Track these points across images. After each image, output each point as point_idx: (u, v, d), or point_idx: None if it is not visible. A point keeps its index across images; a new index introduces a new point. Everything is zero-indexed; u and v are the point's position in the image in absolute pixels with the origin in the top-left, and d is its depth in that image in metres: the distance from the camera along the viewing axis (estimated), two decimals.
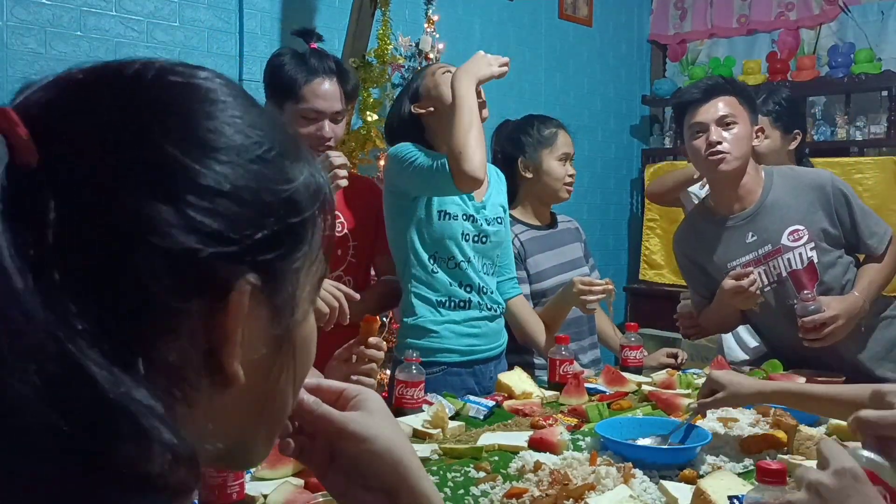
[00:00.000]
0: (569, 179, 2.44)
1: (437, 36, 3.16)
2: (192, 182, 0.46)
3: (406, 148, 2.01)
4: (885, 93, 4.05)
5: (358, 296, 1.80)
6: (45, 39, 2.68)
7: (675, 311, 2.55)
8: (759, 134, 2.23)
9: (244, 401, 0.52)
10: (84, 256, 0.43)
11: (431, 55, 3.12)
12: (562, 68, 4.39)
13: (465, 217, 2.06)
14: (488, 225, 2.11)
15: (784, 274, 2.15)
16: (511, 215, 2.35)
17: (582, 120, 4.46)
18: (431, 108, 2.06)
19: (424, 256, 2.04)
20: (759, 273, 2.14)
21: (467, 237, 2.07)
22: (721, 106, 2.14)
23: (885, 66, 4.02)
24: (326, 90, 1.97)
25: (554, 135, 2.44)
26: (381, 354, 1.51)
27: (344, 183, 1.90)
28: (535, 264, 2.39)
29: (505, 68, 2.02)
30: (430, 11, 3.16)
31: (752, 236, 2.18)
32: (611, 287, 2.18)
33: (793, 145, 2.63)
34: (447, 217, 2.04)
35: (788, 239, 2.15)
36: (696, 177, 2.60)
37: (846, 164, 3.91)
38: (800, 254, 2.15)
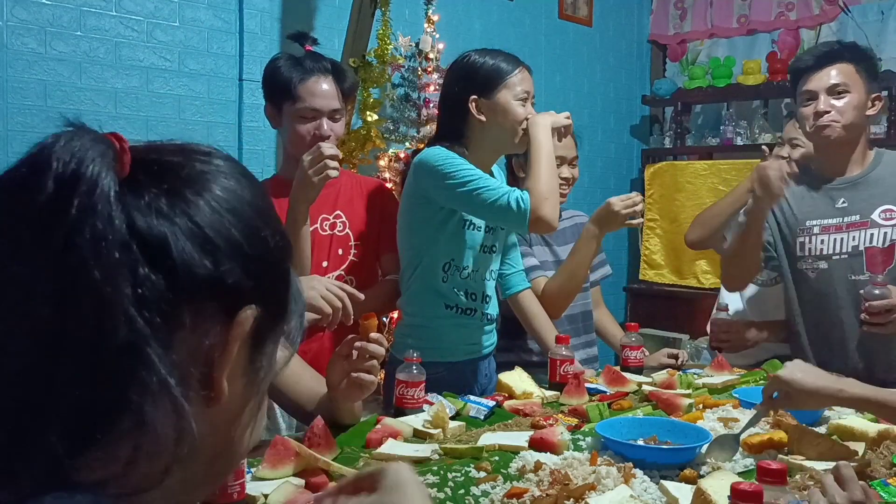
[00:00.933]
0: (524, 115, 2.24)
1: (437, 36, 3.16)
2: (234, 238, 0.59)
3: (448, 159, 1.93)
4: (885, 93, 4.05)
5: (362, 296, 1.77)
6: (45, 39, 2.68)
7: (672, 309, 2.56)
8: (876, 103, 2.18)
9: (216, 430, 0.60)
10: (154, 260, 0.54)
11: (431, 55, 3.12)
12: (562, 68, 4.39)
13: (486, 229, 2.07)
14: (501, 230, 2.12)
15: (861, 247, 2.14)
16: None
17: (582, 120, 4.46)
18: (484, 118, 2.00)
19: (438, 264, 2.04)
20: (833, 240, 2.13)
21: (485, 249, 2.08)
22: (833, 74, 2.12)
23: (885, 66, 4.02)
24: (322, 89, 1.98)
25: (510, 73, 2.31)
26: (382, 350, 1.51)
27: (335, 174, 1.88)
28: (538, 253, 2.41)
29: (570, 121, 2.04)
30: (430, 11, 3.16)
31: (843, 202, 2.17)
32: (640, 198, 2.18)
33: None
34: (472, 227, 2.04)
35: (880, 216, 2.15)
36: (741, 206, 2.33)
37: None
38: (885, 233, 2.13)
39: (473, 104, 2.00)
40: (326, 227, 2.09)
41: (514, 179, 2.41)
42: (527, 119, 1.99)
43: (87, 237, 0.51)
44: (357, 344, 1.47)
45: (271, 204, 0.65)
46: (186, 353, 0.56)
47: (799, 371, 1.43)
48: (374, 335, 1.48)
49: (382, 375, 2.20)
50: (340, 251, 2.09)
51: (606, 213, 2.17)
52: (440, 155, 1.95)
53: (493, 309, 2.15)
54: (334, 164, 1.89)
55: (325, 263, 2.06)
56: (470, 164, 1.95)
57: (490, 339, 2.19)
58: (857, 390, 1.41)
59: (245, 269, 0.58)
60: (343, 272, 2.11)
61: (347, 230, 2.11)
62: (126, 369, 0.52)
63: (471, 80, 2.02)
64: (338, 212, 2.08)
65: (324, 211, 2.07)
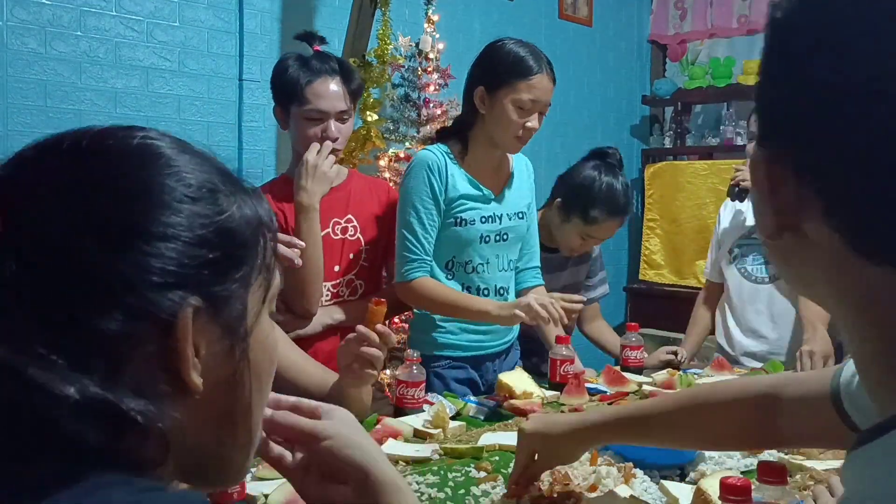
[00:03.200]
0: (578, 250, 2.46)
1: (437, 36, 3.16)
2: (129, 231, 0.55)
3: (416, 177, 2.00)
4: None
5: (302, 242, 1.73)
6: (45, 39, 2.68)
7: (672, 309, 2.59)
8: None
9: (212, 411, 0.61)
10: (44, 299, 0.53)
11: (431, 55, 3.12)
12: (562, 68, 4.37)
13: (483, 220, 2.06)
14: (509, 220, 2.11)
15: None
16: None
17: (582, 120, 4.46)
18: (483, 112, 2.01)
19: (440, 263, 2.06)
20: None
21: (487, 239, 2.07)
22: None
23: None
24: (329, 90, 1.97)
25: (601, 218, 2.38)
26: (387, 344, 1.50)
27: (333, 157, 1.98)
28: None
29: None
30: (430, 11, 3.16)
31: None
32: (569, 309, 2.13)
33: None
34: (463, 223, 2.05)
35: None
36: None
37: None
38: None
39: (478, 94, 1.99)
40: (338, 232, 2.08)
41: (548, 206, 2.46)
42: (525, 128, 1.97)
43: None
44: (360, 328, 1.45)
45: (180, 166, 0.60)
46: (140, 374, 0.55)
47: (540, 421, 1.24)
48: (380, 327, 1.47)
49: (383, 375, 2.20)
50: (352, 255, 2.09)
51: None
52: (423, 163, 2.01)
53: (505, 300, 2.12)
54: (330, 146, 1.98)
55: (336, 268, 2.06)
56: (432, 191, 1.99)
57: (504, 335, 2.17)
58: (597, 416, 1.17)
59: (163, 286, 0.56)
60: (354, 276, 2.11)
61: (359, 234, 2.11)
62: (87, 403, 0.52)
63: (484, 69, 2.01)
64: (349, 216, 2.08)
65: (335, 215, 2.07)
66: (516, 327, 2.20)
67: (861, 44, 0.45)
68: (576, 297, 2.29)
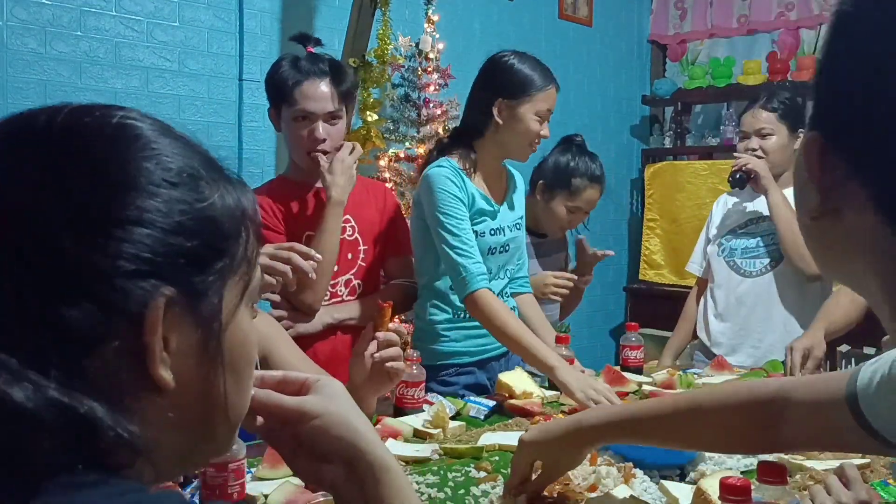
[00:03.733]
0: (566, 227, 2.53)
1: (437, 36, 3.16)
2: (103, 216, 0.52)
3: (445, 189, 2.00)
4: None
5: (317, 255, 1.65)
6: (45, 39, 2.68)
7: (672, 309, 2.60)
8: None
9: (187, 408, 0.58)
10: (9, 289, 0.50)
11: (431, 55, 3.12)
12: (562, 68, 4.37)
13: (491, 232, 2.10)
14: (510, 231, 2.15)
15: None
16: None
17: (582, 120, 4.46)
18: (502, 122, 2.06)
19: (447, 277, 2.08)
20: None
21: (493, 251, 2.11)
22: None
23: None
24: (317, 91, 1.98)
25: (579, 188, 2.51)
26: (400, 336, 1.50)
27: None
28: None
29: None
30: (430, 11, 3.16)
31: None
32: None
33: (797, 145, 2.62)
34: (475, 236, 2.06)
35: None
36: None
37: None
38: None
39: (497, 107, 2.05)
40: None
41: (531, 194, 2.52)
42: (539, 136, 2.07)
43: None
44: (379, 335, 1.46)
45: (160, 149, 0.57)
46: (105, 372, 0.52)
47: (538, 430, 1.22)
48: (391, 325, 1.47)
49: None
50: (350, 255, 2.10)
51: (538, 281, 2.35)
52: (442, 178, 2.01)
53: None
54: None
55: (335, 268, 2.07)
56: (461, 202, 2.01)
57: None
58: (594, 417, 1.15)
59: (134, 274, 0.52)
60: (353, 276, 2.11)
61: (357, 234, 2.11)
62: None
63: (502, 82, 2.07)
64: (347, 216, 2.08)
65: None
66: None
67: None
68: (568, 275, 2.48)
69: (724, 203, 2.70)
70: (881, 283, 0.53)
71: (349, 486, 0.73)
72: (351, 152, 2.01)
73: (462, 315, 2.10)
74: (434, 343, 2.12)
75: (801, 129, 2.52)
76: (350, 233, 2.10)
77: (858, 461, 1.39)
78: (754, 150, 2.50)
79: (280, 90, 1.99)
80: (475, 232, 2.06)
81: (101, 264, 0.51)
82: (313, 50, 2.07)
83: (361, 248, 2.13)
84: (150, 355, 0.54)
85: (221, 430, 0.62)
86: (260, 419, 0.75)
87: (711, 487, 1.17)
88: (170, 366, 0.55)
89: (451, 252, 1.98)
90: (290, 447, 0.75)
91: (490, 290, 1.98)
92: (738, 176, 2.49)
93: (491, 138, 2.09)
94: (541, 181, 2.55)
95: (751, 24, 4.54)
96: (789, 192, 2.53)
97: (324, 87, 1.98)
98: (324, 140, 1.98)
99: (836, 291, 2.28)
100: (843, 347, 2.42)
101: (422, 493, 1.28)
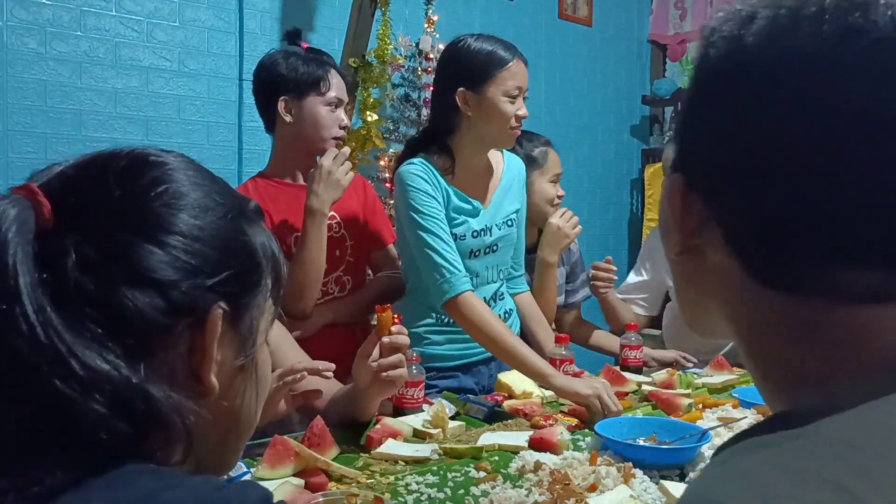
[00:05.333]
0: (558, 201, 2.41)
1: (437, 36, 3.16)
2: (173, 229, 0.60)
3: (417, 189, 1.92)
4: None
5: (330, 374, 1.55)
6: (45, 39, 2.68)
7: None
8: None
9: (221, 415, 0.64)
10: (96, 288, 0.56)
11: (431, 55, 3.12)
12: (562, 68, 4.39)
13: (473, 235, 2.02)
14: (498, 230, 2.06)
15: None
16: None
17: (582, 120, 4.46)
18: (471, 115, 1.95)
19: None
20: None
21: (476, 254, 2.03)
22: None
23: None
24: (339, 81, 2.08)
25: (544, 154, 2.38)
26: (406, 340, 1.50)
27: (352, 175, 1.99)
28: None
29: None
30: (430, 11, 3.17)
31: None
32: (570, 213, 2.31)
33: None
34: (454, 238, 1.98)
35: None
36: None
37: None
38: None
39: (460, 97, 1.93)
40: None
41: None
42: (516, 117, 1.93)
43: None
44: (384, 340, 1.45)
45: (221, 189, 0.66)
46: (168, 368, 0.59)
47: None
48: (394, 327, 1.48)
49: None
50: (338, 252, 2.09)
51: (549, 234, 2.25)
52: (412, 176, 1.93)
53: (497, 309, 2.09)
54: (349, 161, 1.99)
55: (322, 274, 2.06)
56: (436, 200, 1.93)
57: None
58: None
59: (199, 285, 0.60)
60: (341, 273, 2.11)
61: (343, 231, 2.11)
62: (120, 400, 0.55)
63: (460, 70, 1.94)
64: (332, 213, 2.06)
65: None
66: (517, 327, 2.18)
67: (759, 90, 0.50)
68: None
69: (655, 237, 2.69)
70: (732, 327, 0.56)
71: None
72: (334, 158, 1.94)
73: (446, 320, 2.02)
74: (418, 347, 2.01)
75: None
76: (336, 229, 2.10)
77: None
78: None
79: (308, 80, 2.01)
80: (454, 235, 1.97)
81: (173, 271, 0.59)
82: (308, 45, 2.12)
83: (348, 243, 2.13)
84: (207, 360, 0.61)
85: (241, 440, 0.69)
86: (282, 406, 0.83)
87: None
88: (216, 373, 0.62)
89: (429, 252, 1.89)
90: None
91: (473, 292, 1.90)
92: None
93: (466, 133, 1.96)
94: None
95: None
96: None
97: (340, 78, 2.08)
98: (347, 126, 2.06)
99: None
100: None
101: (421, 494, 1.28)
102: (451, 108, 1.94)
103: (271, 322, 0.71)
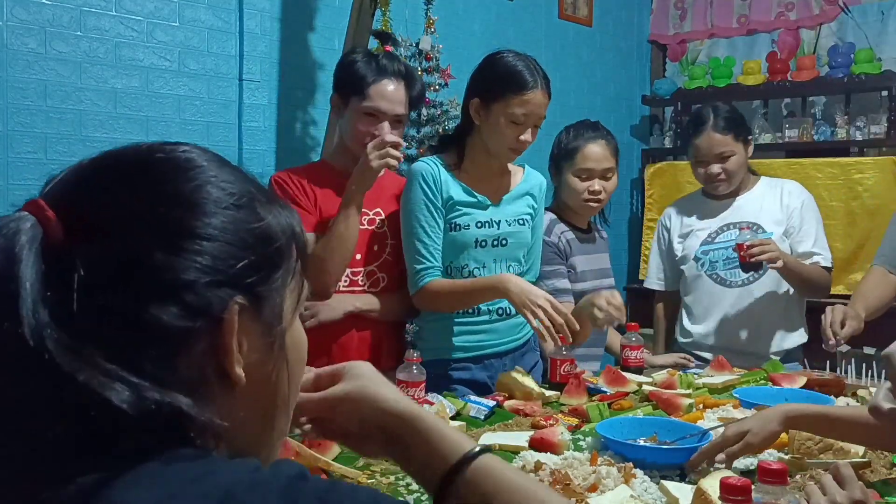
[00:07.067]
0: (588, 196, 2.36)
1: (437, 36, 3.16)
2: (182, 231, 0.61)
3: (418, 186, 2.02)
4: (885, 93, 4.05)
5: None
6: (45, 39, 2.68)
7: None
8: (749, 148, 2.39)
9: (255, 403, 0.66)
10: (109, 298, 0.58)
11: (431, 55, 3.12)
12: (562, 68, 4.39)
13: (478, 225, 2.07)
14: (508, 225, 2.10)
15: None
16: (556, 213, 2.39)
17: (581, 120, 4.45)
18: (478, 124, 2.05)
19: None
20: None
21: (483, 244, 2.08)
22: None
23: (885, 66, 4.02)
24: (392, 92, 2.03)
25: (576, 149, 2.36)
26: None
27: (394, 162, 1.98)
28: (574, 265, 2.37)
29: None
30: (430, 11, 3.16)
31: None
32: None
33: (749, 152, 2.61)
34: (458, 228, 2.06)
35: None
36: None
37: (846, 164, 3.91)
38: None
39: (473, 105, 2.03)
40: (364, 222, 2.09)
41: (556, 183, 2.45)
42: (517, 140, 1.99)
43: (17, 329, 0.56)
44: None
45: (221, 176, 0.66)
46: (193, 368, 0.61)
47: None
48: None
49: None
50: (376, 247, 2.12)
51: (586, 313, 2.03)
52: (416, 172, 2.04)
53: (507, 302, 2.07)
54: (396, 153, 1.97)
55: (358, 256, 2.07)
56: (424, 202, 2.01)
57: (505, 335, 2.14)
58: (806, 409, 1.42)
59: (212, 283, 0.61)
60: (375, 268, 2.12)
61: (385, 228, 2.13)
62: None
63: (480, 81, 2.04)
64: (378, 209, 2.11)
65: (364, 206, 2.07)
66: (529, 328, 2.17)
67: None
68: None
69: (676, 214, 2.70)
70: None
71: (395, 450, 0.80)
72: (375, 145, 1.97)
73: (459, 311, 2.09)
74: (433, 339, 2.10)
75: (749, 137, 2.57)
76: (380, 225, 2.13)
77: (857, 461, 1.39)
78: (717, 174, 2.52)
79: (356, 82, 2.02)
80: (457, 225, 2.05)
81: (185, 274, 0.60)
82: (391, 49, 2.11)
83: (389, 241, 2.13)
84: (228, 356, 0.62)
85: (282, 419, 0.71)
86: (305, 422, 0.84)
87: (712, 487, 1.17)
88: (242, 365, 0.63)
89: (412, 247, 2.02)
90: (341, 435, 0.84)
91: (437, 279, 2.01)
92: (751, 264, 2.43)
93: (477, 137, 2.06)
94: (550, 169, 2.47)
95: (751, 24, 4.55)
96: (753, 195, 2.59)
97: (399, 89, 2.04)
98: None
99: (869, 271, 2.31)
100: (843, 348, 2.44)
101: (422, 493, 1.28)
102: (466, 113, 2.06)
103: (300, 300, 0.71)
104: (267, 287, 0.65)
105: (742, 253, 2.39)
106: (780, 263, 2.33)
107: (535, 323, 1.84)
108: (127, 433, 0.57)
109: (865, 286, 2.35)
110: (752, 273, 2.51)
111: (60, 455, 0.57)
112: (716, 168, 2.53)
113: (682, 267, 2.65)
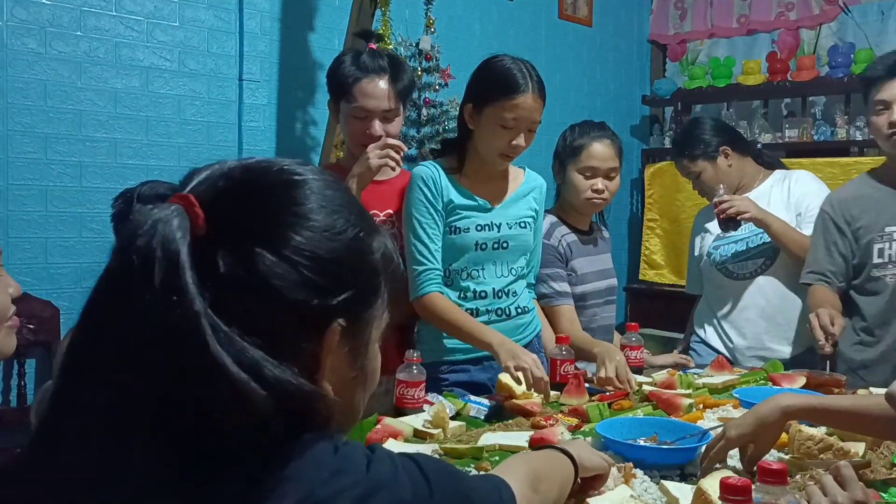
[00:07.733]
0: (591, 194, 2.33)
1: (437, 36, 3.16)
2: (308, 252, 0.68)
3: (421, 190, 2.02)
4: None
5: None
6: (45, 39, 2.68)
7: (672, 309, 2.58)
8: None
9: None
10: (239, 297, 0.65)
11: (431, 55, 3.12)
12: (562, 68, 4.39)
13: (478, 228, 2.06)
14: (509, 229, 2.10)
15: None
16: (557, 215, 2.38)
17: (582, 120, 4.45)
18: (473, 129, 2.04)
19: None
20: None
21: (483, 247, 2.07)
22: None
23: None
24: (375, 89, 2.02)
25: (581, 146, 2.34)
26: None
27: (392, 164, 1.99)
28: (575, 267, 2.36)
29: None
30: (430, 11, 3.16)
31: None
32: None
33: (725, 158, 2.59)
34: (458, 232, 2.05)
35: None
36: None
37: (846, 164, 3.91)
38: None
39: (466, 110, 2.03)
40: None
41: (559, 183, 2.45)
42: (509, 146, 1.98)
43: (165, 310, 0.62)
44: None
45: (351, 207, 0.73)
46: (302, 364, 0.67)
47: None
48: None
49: None
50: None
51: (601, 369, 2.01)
52: (417, 177, 2.04)
53: (508, 303, 2.10)
54: (395, 155, 1.99)
55: None
56: (424, 206, 2.01)
57: (510, 337, 2.13)
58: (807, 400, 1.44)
59: (327, 294, 0.68)
60: None
61: (396, 229, 2.13)
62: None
63: (473, 86, 2.04)
64: (388, 210, 2.12)
65: (373, 207, 2.07)
66: (532, 330, 2.18)
67: None
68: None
69: (703, 219, 2.70)
70: None
71: None
72: (377, 145, 2.00)
73: None
74: (432, 340, 2.09)
75: (723, 147, 2.55)
76: (389, 227, 2.13)
77: (857, 461, 1.39)
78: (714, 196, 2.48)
79: (340, 86, 2.04)
80: (457, 228, 2.04)
81: (304, 291, 0.67)
82: (375, 46, 2.11)
83: (400, 243, 2.12)
84: (322, 370, 0.69)
85: (349, 422, 0.78)
86: None
87: (712, 487, 1.17)
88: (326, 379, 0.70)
89: (412, 249, 2.01)
90: None
91: (442, 294, 2.00)
92: (727, 221, 2.43)
93: (473, 145, 2.06)
94: (554, 166, 2.45)
95: (751, 24, 4.55)
96: (762, 189, 2.58)
97: (382, 84, 2.03)
98: (380, 137, 2.03)
99: (811, 291, 2.29)
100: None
101: None
102: (463, 117, 2.05)
103: (384, 322, 0.77)
104: (367, 315, 0.73)
105: (715, 210, 2.42)
106: (748, 215, 2.35)
107: (514, 371, 1.80)
108: (273, 420, 0.63)
109: (822, 300, 2.22)
110: (763, 262, 2.50)
111: (229, 440, 0.63)
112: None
113: (700, 265, 2.66)
